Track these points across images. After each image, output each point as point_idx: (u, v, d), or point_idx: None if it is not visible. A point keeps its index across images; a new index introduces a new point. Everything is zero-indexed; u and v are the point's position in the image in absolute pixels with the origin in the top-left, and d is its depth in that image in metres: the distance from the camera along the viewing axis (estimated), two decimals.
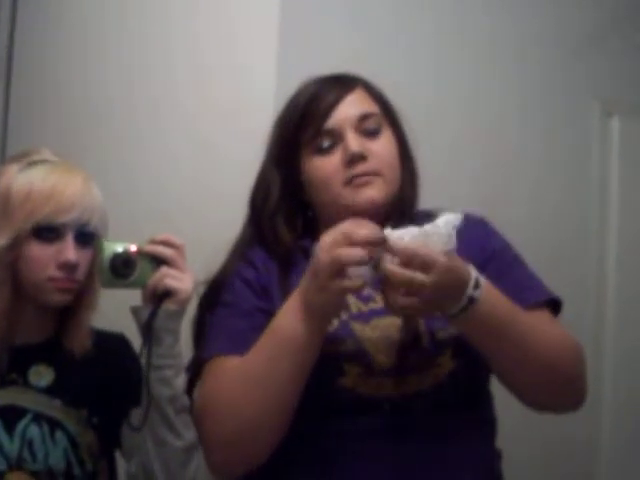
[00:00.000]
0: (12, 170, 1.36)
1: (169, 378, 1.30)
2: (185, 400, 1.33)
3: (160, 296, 1.29)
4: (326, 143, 1.35)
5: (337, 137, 1.35)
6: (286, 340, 1.22)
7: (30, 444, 1.32)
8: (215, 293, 1.38)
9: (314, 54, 1.78)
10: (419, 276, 1.15)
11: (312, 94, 1.37)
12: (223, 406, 1.27)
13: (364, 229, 1.17)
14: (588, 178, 2.21)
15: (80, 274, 1.35)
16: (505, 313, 1.24)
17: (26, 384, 1.35)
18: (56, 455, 1.33)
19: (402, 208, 1.38)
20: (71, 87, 2.08)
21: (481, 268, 1.25)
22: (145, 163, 1.94)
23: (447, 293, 1.18)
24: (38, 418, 1.33)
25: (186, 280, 1.30)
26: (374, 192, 1.34)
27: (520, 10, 2.09)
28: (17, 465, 1.31)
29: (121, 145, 1.99)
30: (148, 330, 1.29)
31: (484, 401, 1.37)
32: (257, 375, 1.25)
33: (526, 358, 1.25)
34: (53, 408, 1.34)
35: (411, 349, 1.27)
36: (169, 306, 1.29)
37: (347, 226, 1.19)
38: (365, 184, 1.33)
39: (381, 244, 1.16)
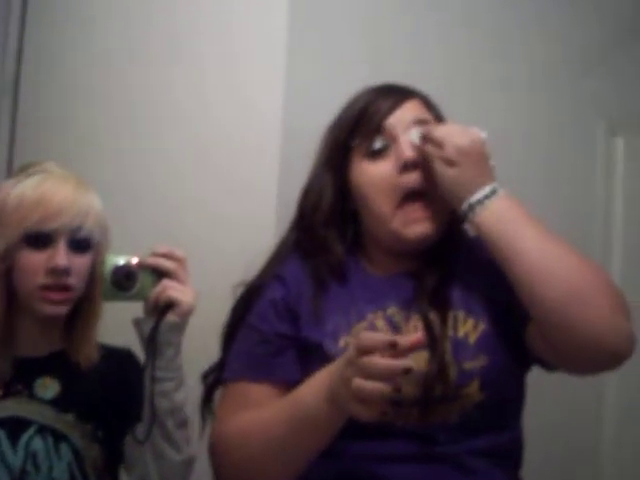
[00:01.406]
0: (10, 183, 1.38)
1: (169, 391, 1.31)
2: (185, 414, 1.33)
3: (162, 309, 1.30)
4: (378, 144, 1.33)
5: (390, 139, 1.34)
6: (308, 416, 1.21)
7: (34, 456, 1.32)
8: (248, 300, 1.38)
9: (323, 73, 1.78)
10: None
11: (369, 99, 1.37)
12: (242, 460, 1.27)
13: (381, 362, 1.10)
14: (593, 196, 2.21)
15: (74, 281, 1.34)
16: (529, 217, 1.27)
17: (31, 396, 1.35)
18: (60, 468, 1.33)
19: (454, 232, 1.36)
20: (75, 106, 2.08)
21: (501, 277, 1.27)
22: (148, 181, 1.92)
23: (473, 168, 1.28)
24: (43, 430, 1.33)
25: (188, 293, 1.30)
26: (424, 228, 1.32)
27: (525, 29, 2.10)
28: (20, 478, 1.31)
29: (124, 162, 1.98)
30: (151, 343, 1.29)
31: (511, 432, 1.35)
32: (277, 441, 1.24)
33: (554, 262, 1.22)
34: (58, 421, 1.35)
35: (438, 380, 1.25)
36: (171, 319, 1.30)
37: (362, 348, 1.12)
38: (416, 220, 1.32)
39: (402, 373, 1.11)
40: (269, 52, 1.78)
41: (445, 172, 1.29)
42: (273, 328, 1.33)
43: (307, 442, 1.23)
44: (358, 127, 1.35)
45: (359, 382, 1.11)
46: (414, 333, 1.27)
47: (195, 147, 1.87)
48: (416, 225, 1.32)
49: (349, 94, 1.40)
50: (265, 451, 1.25)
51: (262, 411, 1.28)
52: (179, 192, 1.88)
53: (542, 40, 2.12)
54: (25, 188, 1.35)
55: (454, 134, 1.30)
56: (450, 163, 1.28)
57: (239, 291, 1.40)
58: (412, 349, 1.12)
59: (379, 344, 1.11)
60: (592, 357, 1.23)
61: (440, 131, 1.31)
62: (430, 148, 1.30)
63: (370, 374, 1.10)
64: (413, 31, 1.93)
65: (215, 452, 1.31)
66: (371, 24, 1.87)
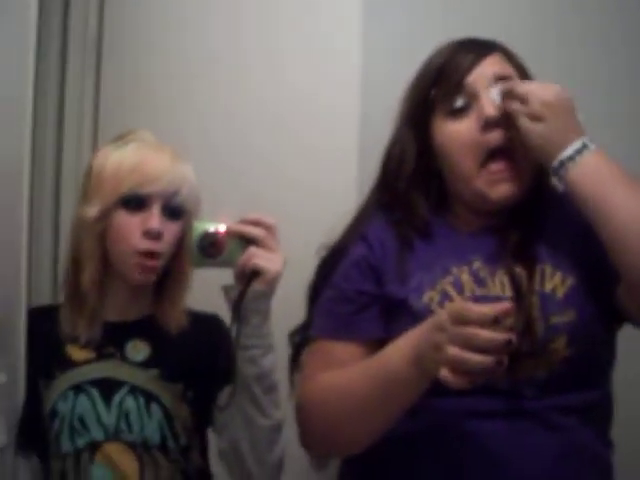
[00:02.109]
0: (108, 149, 1.43)
1: (256, 357, 1.32)
2: (273, 380, 1.35)
3: (249, 276, 1.30)
4: (459, 102, 1.31)
5: (471, 97, 1.31)
6: (393, 377, 1.20)
7: (127, 416, 1.37)
8: (332, 260, 1.38)
9: (401, 28, 1.75)
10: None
11: (449, 55, 1.34)
12: (326, 419, 1.27)
13: (484, 334, 1.08)
14: None
15: (165, 246, 1.39)
16: (622, 173, 1.23)
17: (123, 358, 1.40)
18: (151, 427, 1.37)
19: (540, 188, 1.34)
20: (154, 72, 2.07)
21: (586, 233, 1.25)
22: (223, 154, 1.90)
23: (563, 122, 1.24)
24: (134, 391, 1.38)
25: (275, 260, 1.30)
26: (508, 188, 1.30)
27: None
28: (114, 436, 1.36)
29: (204, 133, 1.95)
30: (237, 310, 1.30)
31: (600, 389, 1.33)
32: (361, 401, 1.24)
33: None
34: (149, 381, 1.39)
35: (524, 335, 1.23)
36: (257, 286, 1.30)
37: (466, 319, 1.09)
38: (500, 180, 1.30)
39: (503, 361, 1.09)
40: (344, 18, 1.75)
41: (532, 128, 1.26)
42: (356, 286, 1.33)
43: (390, 403, 1.22)
44: (438, 85, 1.33)
45: (457, 352, 1.09)
46: (500, 289, 1.28)
47: (273, 115, 1.84)
48: (500, 185, 1.30)
49: (428, 47, 1.37)
50: (348, 410, 1.25)
51: (347, 370, 1.28)
52: (258, 160, 1.86)
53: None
54: (124, 153, 1.40)
55: (538, 89, 1.27)
56: (536, 118, 1.25)
57: (323, 252, 1.40)
58: (504, 317, 1.10)
59: (483, 318, 1.08)
60: None
61: (523, 87, 1.28)
62: (514, 104, 1.27)
63: (473, 345, 1.08)
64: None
65: (300, 410, 1.32)
66: None
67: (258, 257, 1.30)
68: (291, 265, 1.34)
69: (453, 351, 1.09)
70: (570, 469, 1.26)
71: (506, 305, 1.11)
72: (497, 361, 1.08)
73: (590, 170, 1.24)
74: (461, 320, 1.10)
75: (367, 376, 1.24)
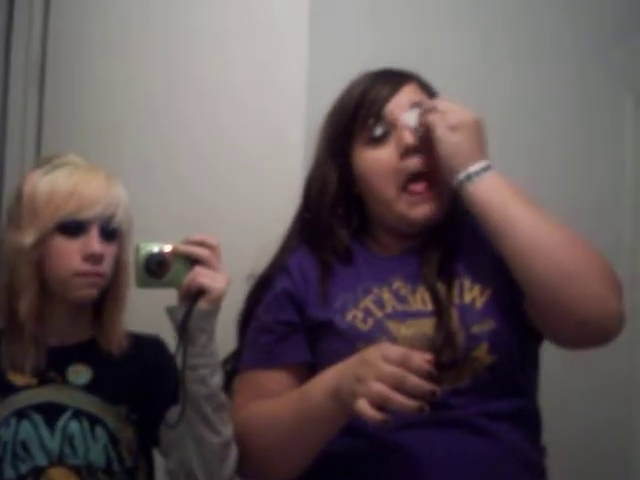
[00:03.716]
0: (37, 174, 1.41)
1: (205, 377, 1.32)
2: (222, 397, 1.35)
3: (194, 296, 1.30)
4: (379, 131, 1.36)
5: (390, 125, 1.36)
6: (313, 410, 1.26)
7: (71, 439, 1.35)
8: (257, 291, 1.42)
9: (343, 50, 1.80)
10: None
11: (367, 86, 1.39)
12: (253, 451, 1.34)
13: (415, 379, 1.15)
14: (622, 168, 2.19)
15: (105, 267, 1.38)
16: (522, 195, 1.29)
17: (65, 382, 1.38)
18: (96, 451, 1.36)
19: (456, 210, 1.39)
20: (96, 92, 2.10)
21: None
22: (174, 169, 1.94)
23: (470, 142, 1.30)
24: (78, 414, 1.36)
25: (220, 279, 1.30)
26: (428, 209, 1.35)
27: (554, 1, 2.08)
28: (58, 460, 1.34)
29: (147, 151, 1.99)
30: (183, 330, 1.30)
31: (526, 395, 1.36)
32: (284, 433, 1.30)
33: (542, 237, 1.25)
34: (92, 405, 1.37)
35: (445, 346, 1.28)
36: (202, 305, 1.30)
37: (405, 363, 1.16)
38: (420, 202, 1.35)
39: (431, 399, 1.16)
40: (291, 39, 1.79)
41: (449, 138, 1.31)
42: (275, 317, 1.38)
43: (313, 433, 1.27)
44: (357, 115, 1.37)
45: (383, 388, 1.15)
46: (421, 305, 1.33)
47: (222, 136, 1.88)
48: (419, 206, 1.35)
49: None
50: (275, 439, 1.30)
51: (274, 400, 1.33)
52: (205, 180, 1.89)
53: (569, 11, 2.09)
54: (56, 178, 1.38)
55: (457, 106, 1.33)
56: (454, 128, 1.30)
57: (251, 282, 1.44)
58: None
59: (420, 370, 1.15)
60: (579, 334, 1.27)
61: (444, 102, 1.34)
62: (434, 116, 1.32)
63: (400, 387, 1.14)
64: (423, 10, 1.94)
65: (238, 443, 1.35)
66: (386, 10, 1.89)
67: (203, 276, 1.30)
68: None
69: (379, 387, 1.15)
70: (505, 472, 1.29)
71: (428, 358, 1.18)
72: (419, 407, 1.14)
73: (494, 187, 1.30)
74: (397, 362, 1.15)
75: (291, 407, 1.29)
